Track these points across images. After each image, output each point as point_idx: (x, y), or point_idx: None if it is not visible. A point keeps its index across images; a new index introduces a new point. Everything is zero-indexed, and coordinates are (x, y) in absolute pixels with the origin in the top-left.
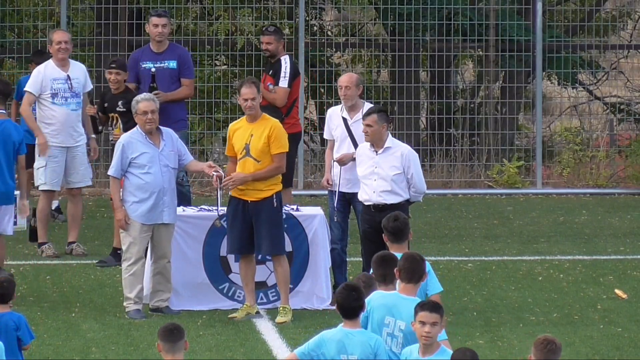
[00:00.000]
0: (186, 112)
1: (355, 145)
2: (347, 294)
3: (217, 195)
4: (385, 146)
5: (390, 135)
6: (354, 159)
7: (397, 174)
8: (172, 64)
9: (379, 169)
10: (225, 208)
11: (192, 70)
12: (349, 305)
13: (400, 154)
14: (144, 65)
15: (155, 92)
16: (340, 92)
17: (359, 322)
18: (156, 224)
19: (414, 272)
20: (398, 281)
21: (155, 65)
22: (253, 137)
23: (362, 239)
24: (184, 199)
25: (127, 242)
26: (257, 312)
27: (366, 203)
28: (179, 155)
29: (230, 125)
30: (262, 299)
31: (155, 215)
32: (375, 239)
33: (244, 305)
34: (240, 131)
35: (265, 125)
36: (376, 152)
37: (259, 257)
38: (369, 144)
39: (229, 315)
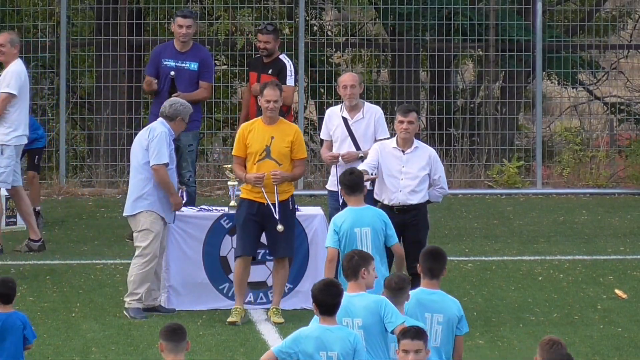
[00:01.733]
0: (201, 113)
1: (357, 145)
2: (328, 290)
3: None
4: (413, 146)
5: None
6: (359, 158)
7: (425, 174)
8: (194, 66)
9: (407, 168)
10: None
11: (212, 74)
12: (329, 301)
13: (427, 155)
14: (165, 62)
15: (176, 93)
16: (344, 91)
17: (336, 318)
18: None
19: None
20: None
21: (176, 64)
22: (275, 139)
23: None
24: (190, 199)
25: (149, 237)
26: (245, 312)
27: (390, 203)
28: None
29: (243, 125)
30: (261, 299)
31: (171, 213)
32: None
33: (238, 309)
34: (256, 132)
35: (287, 129)
36: (403, 151)
37: (274, 257)
38: (393, 142)
39: (227, 320)
